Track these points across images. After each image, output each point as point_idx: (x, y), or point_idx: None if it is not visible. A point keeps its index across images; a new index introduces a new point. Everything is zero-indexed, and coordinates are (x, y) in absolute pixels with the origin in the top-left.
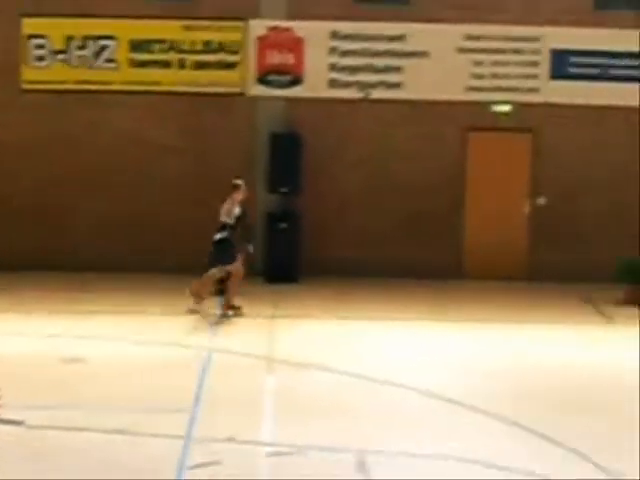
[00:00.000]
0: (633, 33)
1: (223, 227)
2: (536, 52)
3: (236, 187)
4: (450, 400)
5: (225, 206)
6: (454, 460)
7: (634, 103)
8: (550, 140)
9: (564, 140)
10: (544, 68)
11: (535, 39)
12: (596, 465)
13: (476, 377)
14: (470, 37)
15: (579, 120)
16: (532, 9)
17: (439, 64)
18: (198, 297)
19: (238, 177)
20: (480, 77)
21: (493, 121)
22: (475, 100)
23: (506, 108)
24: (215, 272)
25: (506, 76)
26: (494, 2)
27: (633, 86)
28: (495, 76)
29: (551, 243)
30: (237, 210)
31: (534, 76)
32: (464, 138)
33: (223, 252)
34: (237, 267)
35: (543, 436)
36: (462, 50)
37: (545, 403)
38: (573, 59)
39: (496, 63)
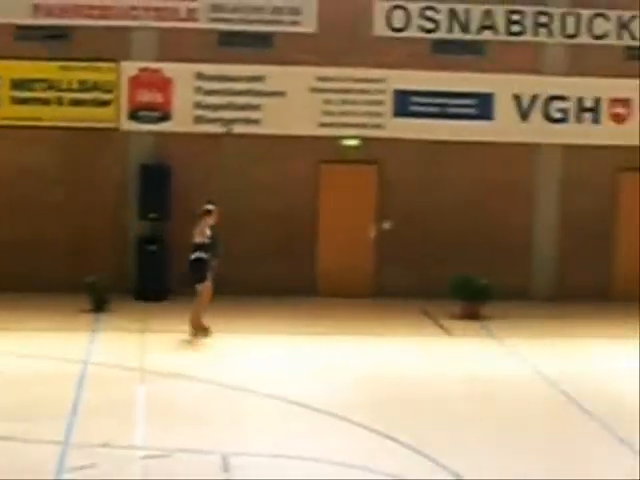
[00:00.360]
0: (469, 75)
1: (198, 247)
2: (381, 92)
3: (209, 212)
4: (309, 406)
5: (198, 229)
6: (313, 461)
7: (471, 138)
8: (393, 171)
9: (406, 171)
10: (388, 106)
11: (380, 80)
12: (438, 464)
13: (333, 385)
14: (322, 78)
15: (420, 153)
16: (378, 53)
17: (294, 102)
18: (201, 329)
19: (210, 202)
20: (331, 114)
21: (342, 154)
22: (326, 135)
23: (354, 142)
24: (200, 298)
25: (354, 113)
26: (344, 47)
27: (469, 123)
28: (344, 113)
29: (395, 263)
30: (208, 232)
31: (379, 114)
32: (317, 170)
33: (197, 271)
34: (207, 286)
35: (393, 438)
36: (315, 90)
37: (396, 409)
38: (414, 98)
39: (345, 102)
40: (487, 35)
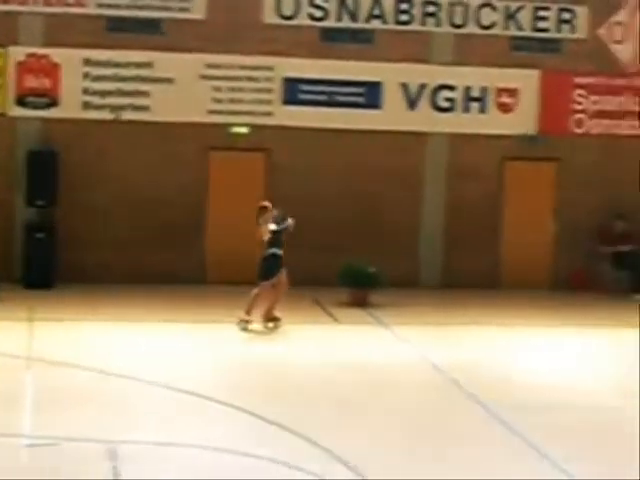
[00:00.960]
0: (357, 64)
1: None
2: (270, 80)
3: (264, 208)
4: (194, 393)
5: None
6: (199, 449)
7: (359, 127)
8: (282, 159)
9: (295, 159)
10: (277, 94)
11: (269, 68)
12: (325, 450)
13: (219, 372)
14: (211, 65)
15: (308, 141)
16: (267, 41)
17: (183, 89)
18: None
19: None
20: (220, 101)
21: (232, 141)
22: (215, 122)
23: (243, 130)
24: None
25: (243, 101)
26: (233, 34)
27: (357, 111)
28: (233, 101)
29: (284, 250)
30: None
31: (268, 101)
32: (206, 157)
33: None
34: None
35: (279, 424)
36: (204, 77)
37: (283, 395)
38: (303, 87)
39: (234, 89)
40: (375, 24)
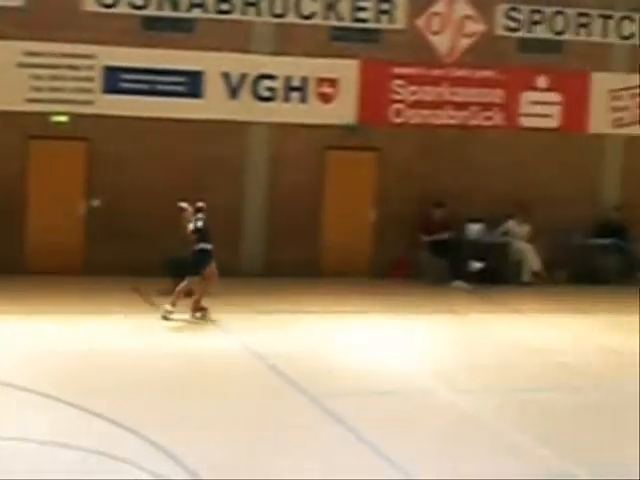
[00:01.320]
0: (179, 53)
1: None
2: (91, 68)
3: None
4: (14, 385)
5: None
6: (19, 440)
7: (181, 115)
8: (103, 148)
9: (116, 148)
10: (98, 83)
11: (90, 56)
12: (145, 439)
13: (41, 364)
14: (31, 53)
15: (130, 130)
16: (88, 29)
17: (1, 77)
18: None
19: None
20: (40, 90)
21: (52, 130)
22: (35, 111)
23: (63, 118)
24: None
25: (63, 89)
26: (54, 22)
27: (179, 100)
28: (54, 89)
29: (105, 240)
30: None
31: (89, 90)
32: (25, 145)
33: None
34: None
35: (100, 415)
36: (23, 65)
37: (105, 386)
38: (124, 75)
39: (55, 77)
40: (196, 13)
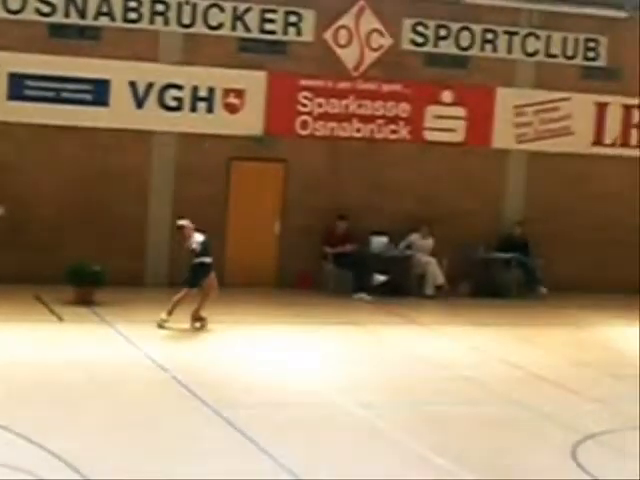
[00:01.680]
0: (85, 61)
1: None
2: None
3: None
4: None
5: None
6: None
7: (86, 124)
8: (5, 156)
9: (19, 155)
10: (2, 90)
11: None
12: (41, 447)
13: None
14: None
15: (34, 138)
16: None
17: None
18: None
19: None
20: None
21: None
22: None
23: None
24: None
25: None
26: None
27: (85, 108)
28: None
29: (8, 248)
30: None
31: None
32: None
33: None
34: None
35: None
36: None
37: (4, 396)
38: (29, 82)
39: None
40: (104, 21)
